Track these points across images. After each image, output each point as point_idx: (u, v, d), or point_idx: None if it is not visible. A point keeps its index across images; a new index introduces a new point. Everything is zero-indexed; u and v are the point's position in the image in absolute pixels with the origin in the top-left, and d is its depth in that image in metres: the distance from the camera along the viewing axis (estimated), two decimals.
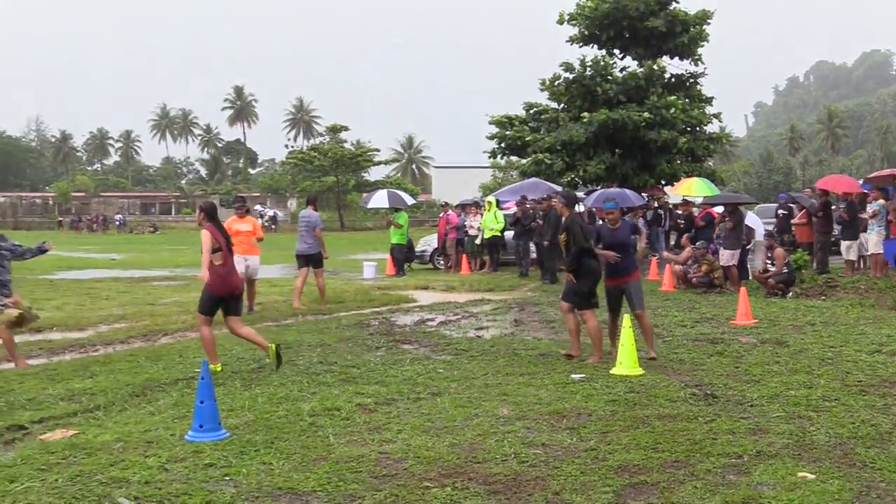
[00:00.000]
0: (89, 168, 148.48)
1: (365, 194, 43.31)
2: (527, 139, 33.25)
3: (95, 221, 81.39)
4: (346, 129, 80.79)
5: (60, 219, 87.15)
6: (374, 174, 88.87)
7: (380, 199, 28.31)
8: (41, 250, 12.13)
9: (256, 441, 7.03)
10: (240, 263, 14.98)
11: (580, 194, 29.58)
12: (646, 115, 30.93)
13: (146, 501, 5.69)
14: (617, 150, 32.62)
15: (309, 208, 17.56)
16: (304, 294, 17.16)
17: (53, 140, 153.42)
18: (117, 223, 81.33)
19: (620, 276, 11.01)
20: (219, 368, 10.09)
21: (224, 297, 10.25)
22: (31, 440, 7.23)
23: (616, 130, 31.34)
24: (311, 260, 17.05)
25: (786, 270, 18.04)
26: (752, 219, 22.69)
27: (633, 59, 34.77)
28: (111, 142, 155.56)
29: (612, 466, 6.38)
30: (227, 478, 6.16)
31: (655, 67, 32.69)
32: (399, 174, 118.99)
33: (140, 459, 6.53)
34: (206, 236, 10.17)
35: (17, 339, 12.67)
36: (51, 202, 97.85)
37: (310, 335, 12.94)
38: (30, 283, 22.03)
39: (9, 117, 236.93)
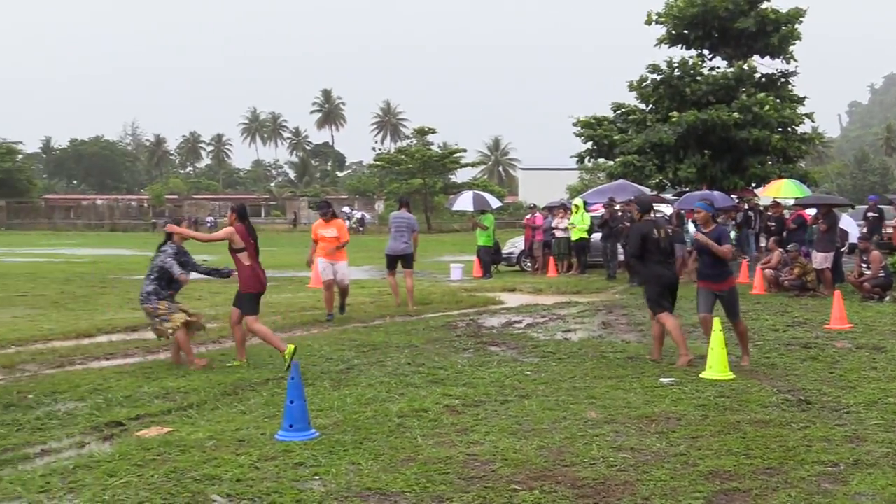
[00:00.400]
0: (182, 171, 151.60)
1: (451, 196, 43.35)
2: (615, 138, 32.97)
3: (187, 223, 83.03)
4: (433, 131, 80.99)
5: (154, 220, 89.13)
6: (461, 176, 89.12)
7: (465, 202, 28.32)
8: (222, 274, 11.82)
9: (345, 441, 7.09)
10: (327, 269, 15.14)
11: (668, 196, 29.23)
12: (735, 114, 30.41)
13: (238, 498, 5.78)
14: (707, 152, 32.12)
15: (403, 210, 17.60)
16: (392, 295, 17.30)
17: (148, 144, 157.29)
18: (208, 225, 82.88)
19: (712, 281, 10.82)
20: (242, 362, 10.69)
21: (261, 293, 10.92)
22: (129, 436, 7.40)
23: (706, 131, 30.88)
24: (404, 260, 17.12)
25: (882, 274, 17.56)
26: (846, 221, 22.16)
27: (723, 58, 34.23)
28: (203, 145, 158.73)
29: (702, 472, 6.28)
30: (317, 477, 6.22)
31: (745, 67, 32.12)
32: (485, 176, 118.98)
33: (232, 457, 6.63)
34: (228, 231, 10.85)
35: (115, 338, 13.02)
36: (145, 204, 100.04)
37: (398, 337, 13.01)
38: (125, 284, 22.58)
39: (107, 122, 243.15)
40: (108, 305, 17.71)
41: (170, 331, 10.70)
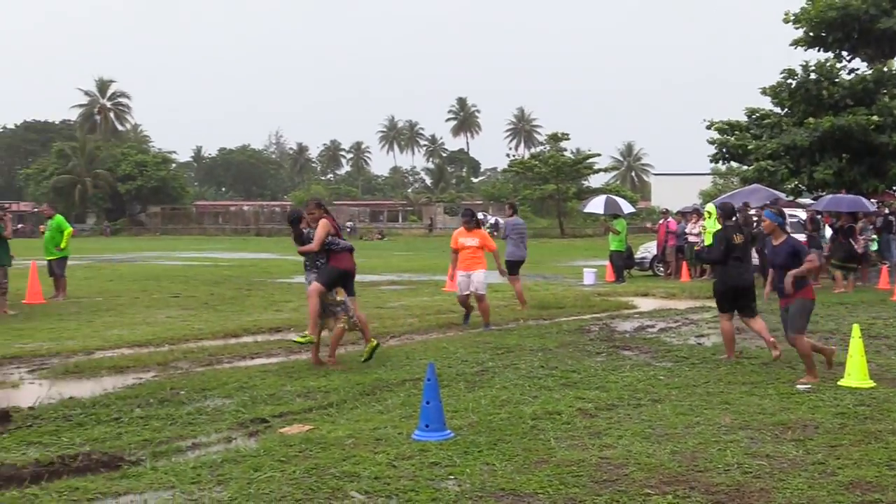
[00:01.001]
0: (323, 178, 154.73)
1: (583, 202, 43.05)
2: (749, 147, 32.10)
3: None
4: (566, 137, 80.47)
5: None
6: (594, 182, 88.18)
7: (596, 205, 28.14)
8: None
9: (480, 442, 7.10)
10: (463, 283, 14.86)
11: (806, 200, 28.29)
12: (875, 117, 29.18)
13: (376, 496, 5.86)
14: (844, 155, 30.94)
15: (516, 216, 17.72)
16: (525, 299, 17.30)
17: (291, 152, 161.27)
18: (348, 230, 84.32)
19: (780, 295, 10.01)
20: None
21: (346, 273, 11.14)
22: (272, 433, 7.58)
23: (843, 135, 29.75)
24: (519, 266, 17.16)
25: None
26: None
27: (863, 59, 32.93)
28: (343, 153, 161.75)
29: (841, 482, 6.05)
30: (452, 477, 6.25)
31: (886, 70, 30.81)
32: (618, 182, 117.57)
33: (370, 455, 6.72)
34: (324, 223, 11.06)
35: (259, 338, 13.36)
36: (288, 210, 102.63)
37: (531, 340, 12.98)
38: (268, 287, 23.19)
39: (253, 132, 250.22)
40: (253, 307, 18.21)
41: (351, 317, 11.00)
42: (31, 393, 9.61)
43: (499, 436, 7.30)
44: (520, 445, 7.02)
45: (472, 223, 15.10)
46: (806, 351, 9.82)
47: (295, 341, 11.23)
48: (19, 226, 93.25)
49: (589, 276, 24.48)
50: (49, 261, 19.95)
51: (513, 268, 17.27)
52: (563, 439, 7.21)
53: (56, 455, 6.85)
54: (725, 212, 11.60)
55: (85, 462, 6.68)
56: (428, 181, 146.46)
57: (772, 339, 10.79)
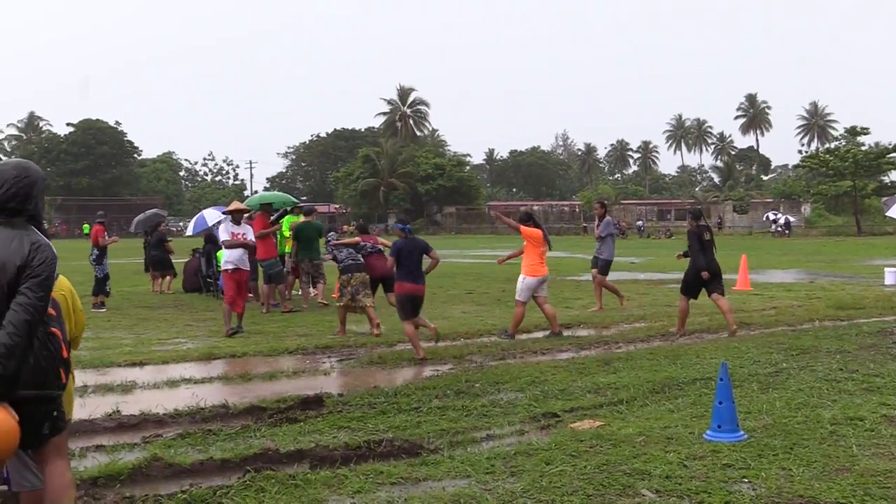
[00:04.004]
0: (610, 178, 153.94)
1: (885, 198, 40.14)
2: None
3: (617, 227, 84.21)
4: (866, 131, 75.27)
5: (585, 225, 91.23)
6: None
7: None
8: None
9: (774, 445, 6.74)
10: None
11: None
12: None
13: (667, 495, 5.69)
14: None
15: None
16: (820, 300, 16.34)
17: (579, 153, 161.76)
18: (638, 230, 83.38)
19: None
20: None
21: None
22: (563, 427, 7.57)
23: None
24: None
25: None
26: None
27: None
28: (630, 153, 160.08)
29: None
30: (746, 480, 5.97)
31: None
32: None
33: (660, 454, 6.55)
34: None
35: (582, 332, 13.43)
36: (577, 210, 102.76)
37: (828, 341, 12.20)
38: (558, 284, 23.30)
39: (542, 134, 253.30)
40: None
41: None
42: (340, 381, 10.18)
43: (795, 440, 6.89)
44: (818, 451, 6.59)
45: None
46: None
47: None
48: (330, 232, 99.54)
49: (891, 276, 22.75)
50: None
51: (606, 268, 17.53)
52: (867, 447, 6.69)
53: (362, 440, 7.17)
54: (694, 214, 14.24)
55: (388, 448, 6.95)
56: (716, 179, 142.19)
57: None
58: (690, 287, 13.79)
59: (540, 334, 13.78)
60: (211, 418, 8.17)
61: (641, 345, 12.52)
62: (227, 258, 14.69)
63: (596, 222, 17.71)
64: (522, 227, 13.60)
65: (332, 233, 16.59)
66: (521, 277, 13.65)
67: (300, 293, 18.63)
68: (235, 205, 15.57)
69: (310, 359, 11.76)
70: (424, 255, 11.95)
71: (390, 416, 8.13)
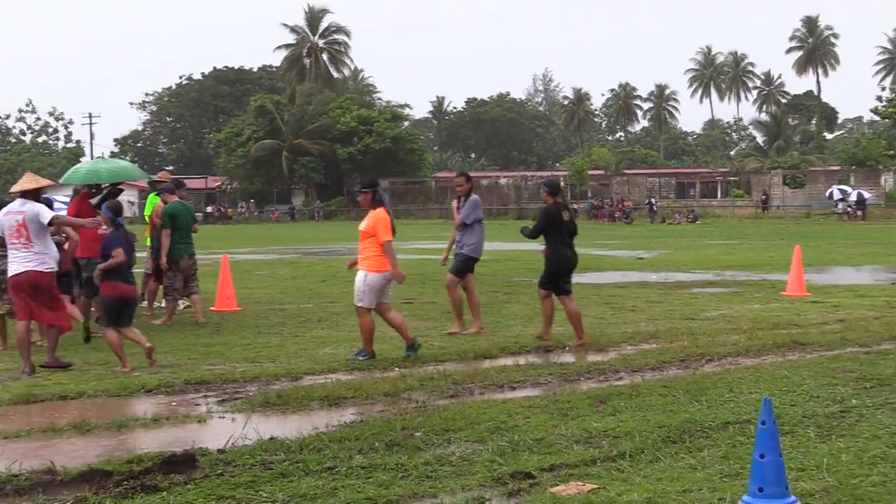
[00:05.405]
0: (610, 137, 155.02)
1: None
2: None
3: (619, 208, 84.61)
4: None
5: (576, 205, 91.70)
6: None
7: None
8: None
9: None
10: None
11: None
12: None
13: None
14: None
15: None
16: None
17: (566, 103, 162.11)
18: (649, 211, 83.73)
19: None
20: None
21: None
22: (540, 493, 7.58)
23: None
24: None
25: None
26: None
27: None
28: (638, 102, 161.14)
29: None
30: None
31: None
32: None
33: None
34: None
35: (522, 360, 13.48)
36: (563, 183, 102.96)
37: None
38: (533, 289, 23.35)
39: (513, 76, 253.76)
40: (514, 317, 18.45)
41: None
42: (221, 430, 10.11)
43: None
44: None
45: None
46: None
47: None
48: (209, 209, 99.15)
49: None
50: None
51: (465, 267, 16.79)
52: None
53: None
54: (552, 189, 15.44)
55: None
56: (759, 139, 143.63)
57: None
58: (551, 280, 15.44)
59: (508, 360, 13.82)
60: (29, 489, 8.07)
61: (651, 374, 12.59)
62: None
63: (456, 203, 16.94)
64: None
65: None
66: (362, 275, 13.87)
67: (163, 304, 18.56)
68: (29, 180, 15.04)
69: (177, 399, 11.68)
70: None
71: (293, 480, 8.09)
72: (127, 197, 19.53)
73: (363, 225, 14.09)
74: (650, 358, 13.76)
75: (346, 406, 11.08)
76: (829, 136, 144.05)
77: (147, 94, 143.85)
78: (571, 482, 7.81)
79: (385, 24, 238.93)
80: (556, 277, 15.36)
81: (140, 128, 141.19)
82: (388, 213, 14.01)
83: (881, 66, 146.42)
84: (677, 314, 18.43)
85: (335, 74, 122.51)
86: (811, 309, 18.97)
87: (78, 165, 19.56)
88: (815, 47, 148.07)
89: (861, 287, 23.14)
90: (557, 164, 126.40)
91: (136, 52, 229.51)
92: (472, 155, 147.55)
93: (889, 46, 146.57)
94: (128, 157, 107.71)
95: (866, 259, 31.44)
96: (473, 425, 9.76)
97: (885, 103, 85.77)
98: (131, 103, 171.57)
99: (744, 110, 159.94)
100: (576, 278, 26.33)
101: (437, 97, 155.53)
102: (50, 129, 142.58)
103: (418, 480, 8.01)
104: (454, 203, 17.06)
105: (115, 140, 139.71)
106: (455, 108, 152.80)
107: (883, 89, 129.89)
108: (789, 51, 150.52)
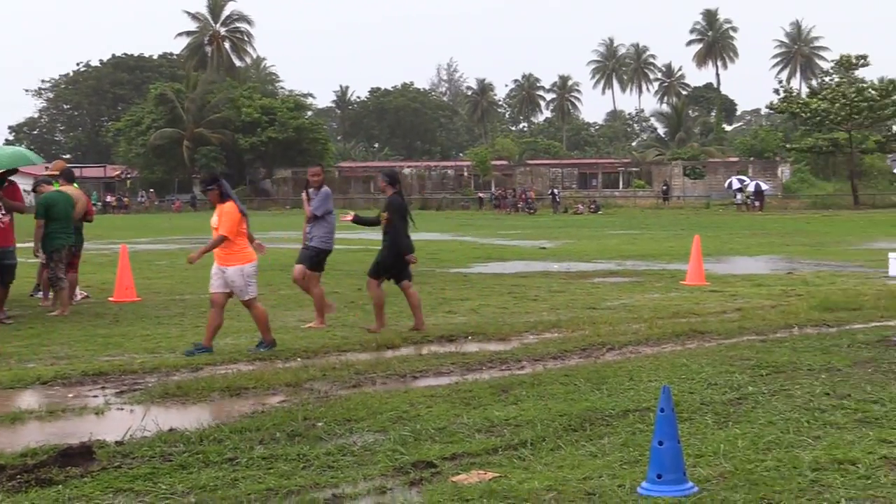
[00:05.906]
0: (514, 128, 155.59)
1: (892, 156, 41.61)
2: None
3: (522, 198, 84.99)
4: (864, 61, 77.49)
5: (480, 195, 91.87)
6: None
7: None
8: None
9: (736, 500, 6.92)
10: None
11: None
12: None
13: None
14: None
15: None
16: (801, 298, 16.85)
17: (469, 93, 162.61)
18: (552, 201, 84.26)
19: None
20: None
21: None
22: (442, 482, 7.59)
23: None
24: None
25: None
26: None
27: None
28: (541, 93, 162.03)
29: None
30: None
31: None
32: None
33: None
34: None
35: (425, 350, 13.52)
36: (466, 173, 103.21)
37: (810, 355, 12.59)
38: (437, 279, 23.42)
39: (416, 66, 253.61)
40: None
41: None
42: (119, 422, 10.00)
43: (764, 492, 7.10)
44: None
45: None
46: None
47: None
48: (108, 198, 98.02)
49: None
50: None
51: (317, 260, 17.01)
52: (861, 500, 6.95)
53: None
54: (391, 179, 16.07)
55: None
56: (661, 130, 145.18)
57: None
58: (388, 270, 15.88)
59: (410, 350, 13.83)
60: None
61: (553, 364, 12.67)
62: None
63: (305, 195, 17.01)
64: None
65: None
66: (237, 270, 13.80)
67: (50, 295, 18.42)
68: None
69: (74, 391, 11.54)
70: None
71: (193, 471, 8.02)
72: (22, 185, 19.19)
73: (214, 220, 14.01)
74: (552, 347, 13.86)
75: (246, 396, 11.03)
76: (728, 127, 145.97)
77: (43, 81, 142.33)
78: (473, 471, 7.83)
79: (288, 12, 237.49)
80: (397, 265, 15.75)
81: (36, 115, 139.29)
82: (237, 206, 13.95)
83: (778, 59, 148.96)
84: (579, 303, 18.56)
85: (237, 63, 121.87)
86: (710, 298, 19.23)
87: None
88: (715, 40, 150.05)
89: (758, 276, 23.51)
90: (461, 154, 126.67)
91: (32, 38, 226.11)
92: (376, 145, 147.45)
93: (786, 40, 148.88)
94: (23, 145, 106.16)
95: (763, 249, 31.91)
96: (375, 415, 9.75)
97: (780, 97, 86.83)
98: (26, 90, 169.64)
99: (645, 102, 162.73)
100: (479, 267, 26.50)
101: (341, 86, 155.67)
102: None
103: (320, 471, 7.98)
104: (304, 195, 17.14)
105: (10, 128, 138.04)
106: (359, 97, 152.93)
107: (780, 83, 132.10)
108: (689, 43, 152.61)
